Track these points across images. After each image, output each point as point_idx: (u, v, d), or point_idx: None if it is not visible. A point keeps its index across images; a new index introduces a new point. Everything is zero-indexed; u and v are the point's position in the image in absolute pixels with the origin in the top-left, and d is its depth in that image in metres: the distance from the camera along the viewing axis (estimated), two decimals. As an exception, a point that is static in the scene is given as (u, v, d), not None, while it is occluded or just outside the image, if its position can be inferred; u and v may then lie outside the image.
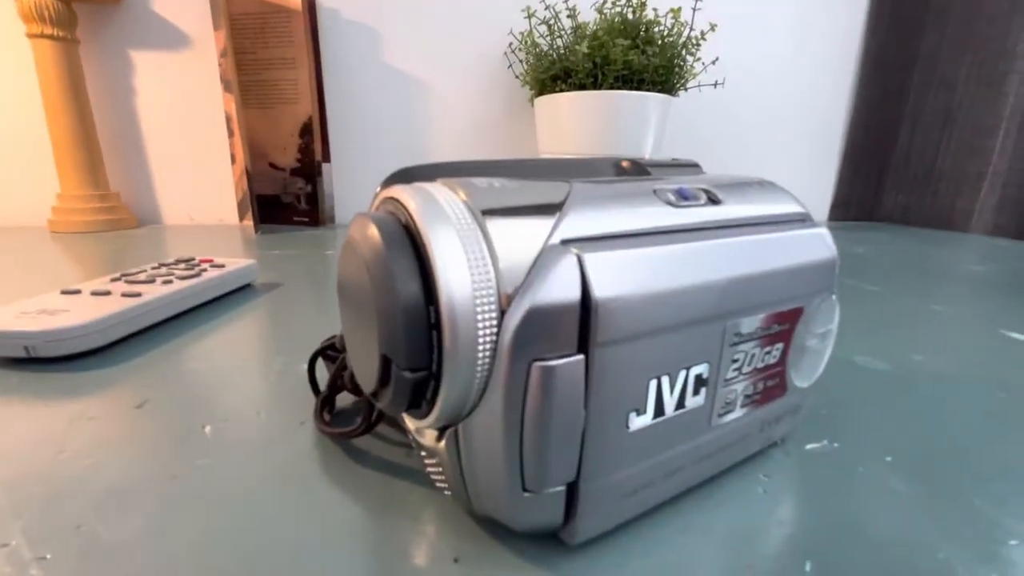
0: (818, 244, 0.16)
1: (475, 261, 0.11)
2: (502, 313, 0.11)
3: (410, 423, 0.14)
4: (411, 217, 0.11)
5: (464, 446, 0.12)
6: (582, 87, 0.60)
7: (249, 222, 0.68)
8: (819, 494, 0.16)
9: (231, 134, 0.66)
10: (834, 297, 0.17)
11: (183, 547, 0.13)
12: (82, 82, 0.61)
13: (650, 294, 0.12)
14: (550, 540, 0.13)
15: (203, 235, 0.63)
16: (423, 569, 0.12)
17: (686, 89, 0.65)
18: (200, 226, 0.70)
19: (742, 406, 0.15)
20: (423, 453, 0.14)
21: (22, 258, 0.48)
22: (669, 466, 0.14)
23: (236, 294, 0.36)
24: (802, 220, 0.17)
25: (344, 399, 0.20)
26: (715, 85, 0.66)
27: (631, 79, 0.58)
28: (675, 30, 0.60)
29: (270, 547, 0.13)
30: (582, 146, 0.62)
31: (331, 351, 0.20)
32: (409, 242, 0.11)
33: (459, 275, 0.10)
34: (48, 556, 0.12)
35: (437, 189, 0.12)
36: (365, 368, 0.12)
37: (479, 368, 0.11)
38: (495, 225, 0.11)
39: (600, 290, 0.11)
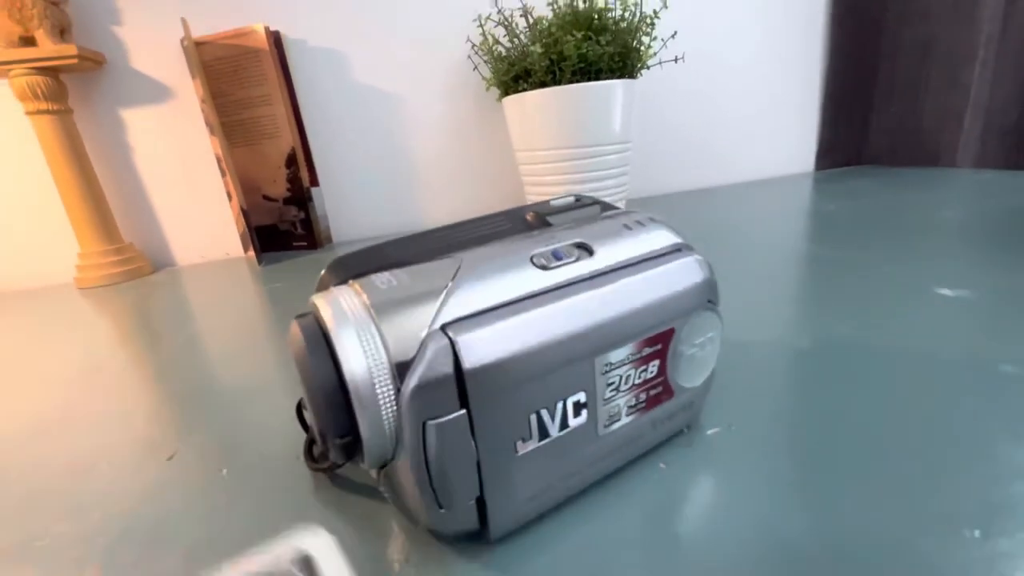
0: (689, 270, 0.19)
1: (371, 352, 0.14)
2: (399, 389, 0.14)
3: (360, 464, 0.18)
4: (324, 322, 0.15)
5: (395, 480, 0.16)
6: (543, 84, 0.61)
7: (252, 254, 0.72)
8: (711, 474, 0.19)
9: (223, 173, 0.71)
10: (710, 312, 0.20)
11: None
12: (82, 147, 0.66)
13: (517, 355, 0.15)
14: (478, 539, 0.17)
15: (214, 272, 0.68)
16: (384, 569, 0.17)
17: (648, 68, 0.66)
18: (210, 263, 0.75)
19: (628, 415, 0.19)
20: (377, 481, 0.18)
21: (65, 315, 0.54)
22: (565, 471, 0.18)
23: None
24: (678, 250, 0.20)
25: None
26: (676, 60, 0.67)
27: (588, 70, 0.60)
28: (627, 14, 0.61)
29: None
30: (552, 140, 0.64)
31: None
32: (324, 342, 0.15)
33: (359, 364, 0.14)
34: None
35: (344, 295, 0.16)
36: (315, 429, 0.16)
37: (387, 429, 0.15)
38: (387, 321, 0.15)
39: (470, 363, 0.14)
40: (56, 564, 0.19)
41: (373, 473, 0.17)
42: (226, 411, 0.29)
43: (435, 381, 0.14)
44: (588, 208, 0.23)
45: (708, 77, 0.85)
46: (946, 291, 0.33)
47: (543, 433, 0.16)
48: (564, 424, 0.17)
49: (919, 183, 0.70)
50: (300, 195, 0.73)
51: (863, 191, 0.69)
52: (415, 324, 0.15)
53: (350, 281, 0.16)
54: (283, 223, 0.75)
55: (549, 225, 0.21)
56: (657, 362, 0.19)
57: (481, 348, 0.15)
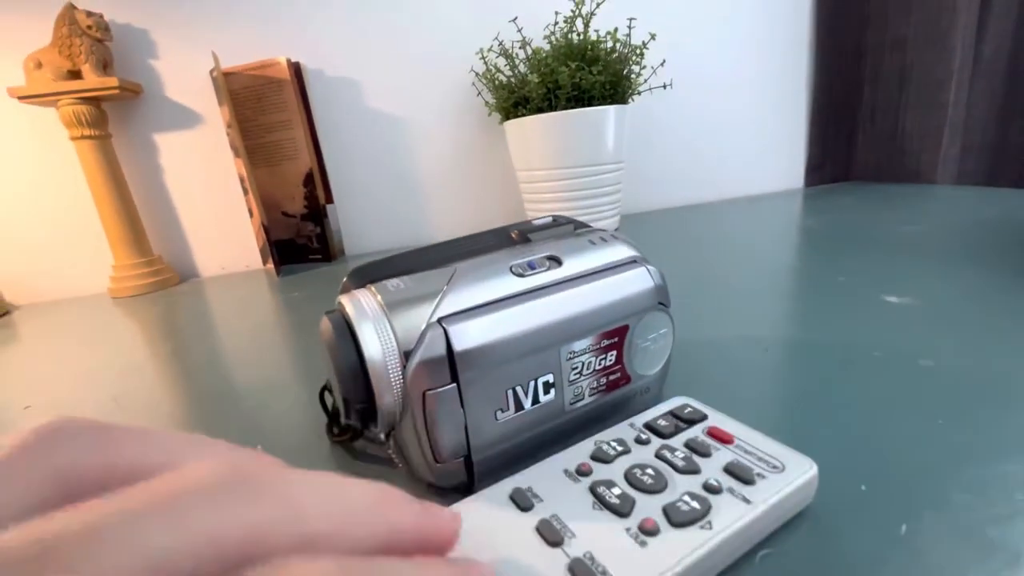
0: (641, 278, 0.24)
1: (385, 340, 0.19)
2: (404, 366, 0.19)
3: (374, 430, 0.23)
4: (349, 317, 0.19)
5: (399, 441, 0.20)
6: (540, 110, 0.67)
7: (271, 266, 0.78)
8: (657, 446, 0.24)
9: (246, 192, 0.76)
10: (661, 312, 0.24)
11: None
12: (119, 169, 0.72)
13: (496, 342, 0.20)
14: (468, 492, 0.22)
15: (236, 283, 0.73)
16: (390, 516, 0.21)
17: (639, 93, 0.71)
18: (232, 274, 0.81)
19: (591, 395, 0.23)
20: (386, 447, 0.22)
21: (101, 322, 0.59)
22: (537, 441, 0.22)
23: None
24: (633, 262, 0.25)
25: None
26: (664, 87, 0.72)
27: (582, 97, 0.65)
28: (617, 45, 0.66)
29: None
30: (550, 161, 0.69)
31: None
32: (349, 332, 0.19)
33: (375, 349, 0.19)
34: None
35: (364, 295, 0.20)
36: (339, 402, 0.21)
37: (395, 398, 0.19)
38: (397, 315, 0.19)
39: (459, 346, 0.19)
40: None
41: (383, 438, 0.22)
42: (252, 403, 0.33)
43: (432, 360, 0.19)
44: (563, 227, 0.27)
45: (698, 100, 0.90)
46: (892, 298, 0.37)
47: (518, 406, 0.21)
48: (536, 399, 0.21)
49: (898, 199, 0.74)
50: (316, 211, 0.79)
51: (843, 207, 0.73)
52: (417, 318, 0.19)
53: (368, 285, 0.21)
54: (300, 237, 0.80)
55: (529, 241, 0.26)
56: (614, 352, 0.23)
57: (468, 335, 0.19)
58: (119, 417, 0.34)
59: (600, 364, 0.23)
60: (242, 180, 0.76)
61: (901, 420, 0.23)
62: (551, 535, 0.16)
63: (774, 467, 0.18)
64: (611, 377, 0.24)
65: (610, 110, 0.66)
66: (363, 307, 0.20)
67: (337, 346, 0.19)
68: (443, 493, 0.22)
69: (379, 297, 0.20)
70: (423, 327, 0.19)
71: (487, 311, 0.20)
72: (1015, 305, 0.34)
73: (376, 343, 0.19)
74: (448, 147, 0.84)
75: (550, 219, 0.28)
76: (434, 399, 0.19)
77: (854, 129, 0.93)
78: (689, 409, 0.22)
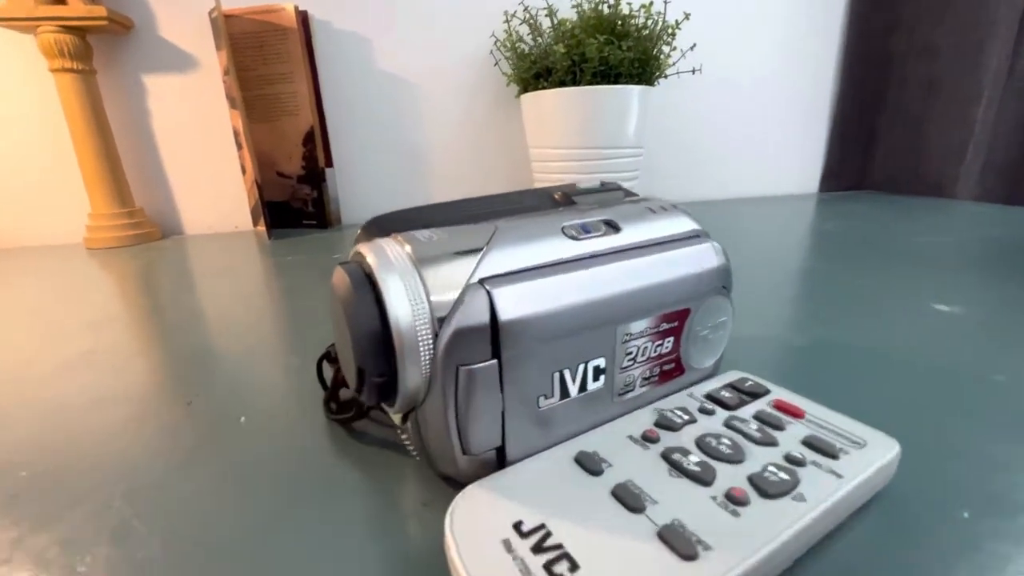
0: (707, 255, 0.21)
1: (415, 299, 0.15)
2: (436, 334, 0.15)
3: (387, 410, 0.19)
4: (370, 268, 0.16)
5: (421, 425, 0.17)
6: (562, 84, 0.63)
7: (262, 228, 0.73)
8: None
9: (240, 147, 0.71)
10: (723, 298, 0.21)
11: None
12: (102, 109, 0.67)
13: (547, 313, 0.16)
14: (493, 490, 0.18)
15: (223, 242, 0.68)
16: (402, 512, 0.17)
17: (665, 77, 0.67)
18: (219, 234, 0.76)
19: (641, 386, 0.20)
20: (399, 430, 0.19)
21: (76, 273, 0.54)
22: (578, 432, 0.19)
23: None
24: (696, 236, 0.21)
25: (345, 393, 0.25)
26: (693, 72, 0.68)
27: (608, 73, 0.61)
28: (649, 22, 0.62)
29: (297, 494, 0.18)
30: (567, 139, 0.65)
31: (333, 355, 0.25)
32: (369, 286, 0.16)
33: (403, 309, 0.15)
34: None
35: (389, 245, 0.16)
36: (349, 372, 0.17)
37: (423, 371, 0.15)
38: (429, 271, 0.16)
39: (505, 315, 0.15)
40: (80, 483, 0.19)
41: (397, 419, 0.18)
42: (239, 369, 0.30)
43: (471, 329, 0.15)
44: (613, 192, 0.24)
45: (720, 94, 0.87)
46: (942, 307, 0.35)
47: (564, 392, 0.17)
48: (583, 387, 0.18)
49: (916, 211, 0.72)
50: (314, 174, 0.74)
51: (859, 214, 0.71)
52: (455, 276, 0.16)
53: (393, 234, 0.17)
54: (295, 201, 0.76)
55: (574, 204, 0.22)
56: (672, 339, 0.20)
57: (515, 303, 0.16)
58: (90, 375, 0.30)
59: (656, 351, 0.20)
60: (236, 134, 0.71)
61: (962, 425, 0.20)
62: (632, 500, 0.15)
63: (855, 443, 0.17)
64: (665, 367, 0.20)
65: (636, 90, 0.62)
66: (388, 258, 0.16)
67: (355, 303, 0.15)
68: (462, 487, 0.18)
69: (408, 248, 0.16)
70: (462, 288, 0.16)
71: (537, 276, 0.17)
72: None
73: (404, 302, 0.15)
74: (459, 117, 0.79)
75: (597, 183, 0.24)
76: (470, 377, 0.15)
77: (874, 137, 0.91)
78: (750, 382, 0.20)
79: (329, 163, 0.76)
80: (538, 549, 0.13)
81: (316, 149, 0.73)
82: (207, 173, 0.76)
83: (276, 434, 0.23)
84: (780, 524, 0.14)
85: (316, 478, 0.19)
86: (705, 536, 0.13)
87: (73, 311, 0.42)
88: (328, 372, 0.27)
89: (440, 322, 0.15)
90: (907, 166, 0.87)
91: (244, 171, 0.73)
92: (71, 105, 0.64)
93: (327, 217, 0.76)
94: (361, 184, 0.80)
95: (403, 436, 0.19)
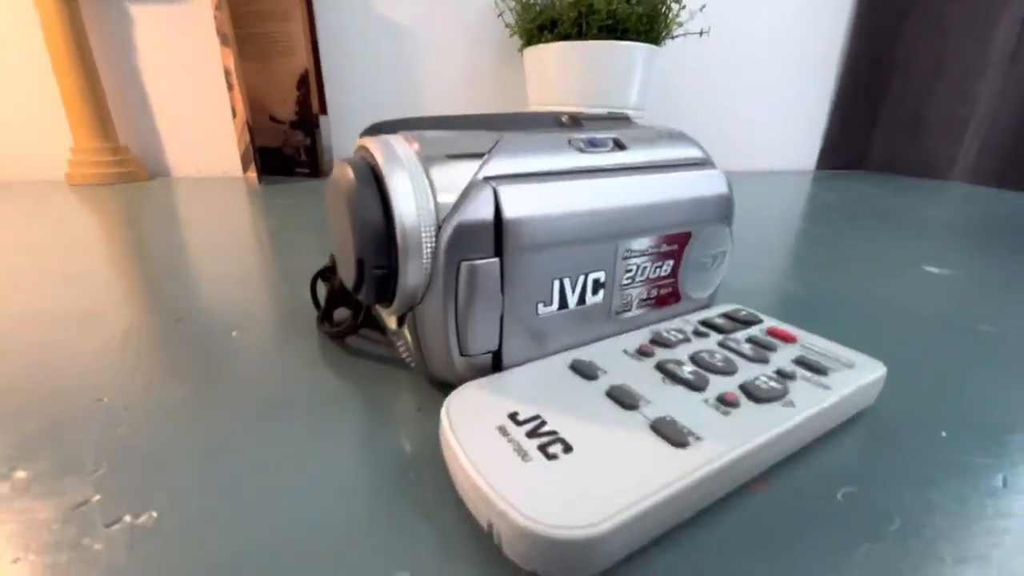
0: (711, 182, 0.21)
1: (420, 193, 0.15)
2: (439, 228, 0.15)
3: (383, 313, 0.19)
4: (376, 162, 0.15)
5: (419, 325, 0.17)
6: (567, 37, 0.61)
7: (252, 173, 0.71)
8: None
9: (230, 88, 0.69)
10: (724, 227, 0.21)
11: (226, 402, 0.18)
12: (85, 38, 0.64)
13: (550, 217, 0.16)
14: (487, 398, 0.18)
15: (212, 185, 0.67)
16: (397, 414, 0.18)
17: (672, 38, 0.66)
18: (207, 178, 0.74)
19: (639, 307, 0.20)
20: (395, 338, 0.19)
21: (58, 208, 0.53)
22: (573, 345, 0.19)
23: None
24: (701, 163, 0.21)
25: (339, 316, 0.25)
26: (700, 34, 0.67)
27: (615, 28, 0.60)
28: (660, -23, 0.61)
29: (292, 402, 0.18)
30: (569, 96, 0.64)
31: (327, 273, 0.24)
32: (374, 180, 0.15)
33: (407, 203, 0.15)
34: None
35: (397, 141, 0.16)
36: (348, 270, 0.17)
37: (424, 266, 0.15)
38: (435, 167, 0.15)
39: (510, 212, 0.15)
40: (72, 401, 0.19)
41: (392, 322, 0.18)
42: (230, 293, 0.29)
43: (476, 224, 0.15)
44: (620, 120, 0.23)
45: (725, 62, 0.85)
46: (933, 269, 0.35)
47: (563, 302, 0.17)
48: (582, 299, 0.18)
49: (913, 190, 0.72)
50: (308, 120, 0.72)
51: (857, 190, 0.71)
52: (461, 173, 0.16)
53: (399, 131, 0.17)
54: (287, 147, 0.74)
55: (581, 126, 0.22)
56: (671, 262, 0.20)
57: (520, 202, 0.16)
58: (69, 292, 0.29)
59: (655, 272, 0.20)
60: (227, 73, 0.68)
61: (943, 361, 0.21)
62: (626, 398, 0.15)
63: (844, 364, 0.17)
64: (662, 291, 0.20)
65: (642, 49, 0.61)
66: (395, 152, 0.16)
67: (359, 196, 0.15)
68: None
69: (416, 145, 0.16)
70: (467, 184, 0.15)
71: (542, 180, 0.16)
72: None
73: (409, 195, 0.15)
74: (459, 69, 0.77)
75: (604, 111, 0.24)
76: (472, 272, 0.15)
77: (876, 116, 0.91)
78: (744, 312, 0.21)
79: (323, 110, 0.74)
80: (533, 434, 0.13)
81: (310, 94, 0.71)
82: (196, 114, 0.73)
83: (269, 348, 0.22)
84: (769, 423, 0.14)
85: (310, 387, 0.19)
86: (696, 429, 0.14)
87: (53, 241, 0.41)
88: (323, 293, 0.26)
89: (445, 217, 0.15)
90: (905, 146, 0.87)
91: (235, 113, 0.71)
92: (52, 32, 0.61)
93: (320, 166, 0.74)
94: (355, 134, 0.78)
95: (398, 343, 0.19)
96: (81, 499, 0.14)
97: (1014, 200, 0.66)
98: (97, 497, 0.14)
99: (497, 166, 0.16)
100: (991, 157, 0.77)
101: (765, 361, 0.17)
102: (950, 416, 0.18)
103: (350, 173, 0.15)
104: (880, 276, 0.34)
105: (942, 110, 0.80)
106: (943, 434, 0.17)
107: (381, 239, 0.15)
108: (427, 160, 0.15)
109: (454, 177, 0.15)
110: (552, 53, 0.62)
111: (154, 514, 0.13)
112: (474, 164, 0.16)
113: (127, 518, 0.13)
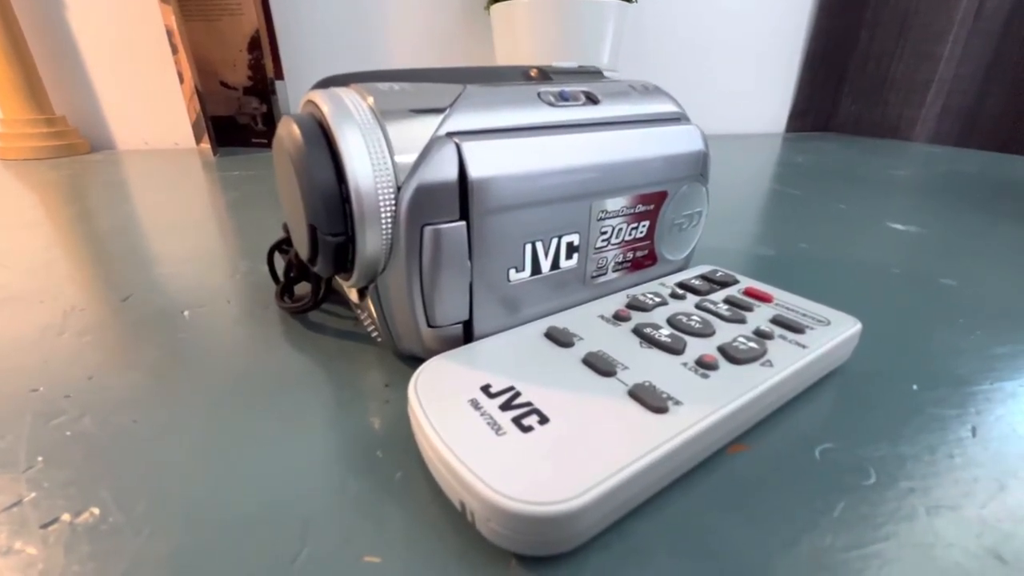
0: (687, 138, 0.20)
1: (375, 151, 0.14)
2: (398, 190, 0.14)
3: (344, 284, 0.18)
4: (324, 118, 0.14)
5: (382, 296, 0.16)
6: (536, -7, 0.58)
7: (206, 144, 0.67)
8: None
9: (175, 50, 0.64)
10: (700, 186, 0.20)
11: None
12: (4, -6, 0.57)
13: (520, 175, 0.15)
14: (459, 371, 0.18)
15: (162, 158, 0.62)
16: (364, 391, 0.17)
17: (643, -6, 0.64)
18: (156, 151, 0.69)
19: (614, 271, 0.19)
20: (359, 312, 0.18)
21: (-21, 185, 0.48)
22: (548, 313, 0.18)
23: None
24: (677, 118, 0.20)
25: (301, 290, 0.24)
26: (672, -10, 0.65)
27: (585, -16, 0.57)
28: (631, -72, 0.58)
29: (249, 382, 0.17)
30: (538, 56, 0.61)
31: (284, 246, 0.23)
32: (323, 137, 0.14)
33: (362, 162, 0.13)
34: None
35: (347, 94, 0.15)
36: (301, 239, 0.15)
37: (383, 232, 0.14)
38: (392, 123, 0.14)
39: (475, 171, 0.14)
40: (1, 392, 0.18)
41: (354, 295, 0.17)
42: (182, 270, 0.27)
43: (438, 185, 0.14)
44: (591, 73, 0.22)
45: (695, 24, 0.83)
46: (897, 225, 0.36)
47: (536, 267, 0.17)
48: (556, 263, 0.17)
49: (880, 150, 0.73)
50: (262, 86, 0.67)
51: (826, 151, 0.72)
52: (421, 129, 0.14)
53: (351, 84, 0.15)
54: (242, 115, 0.69)
55: (550, 79, 0.21)
56: (647, 223, 0.19)
57: (487, 160, 0.14)
58: (1, 274, 0.27)
59: (631, 234, 0.19)
60: (170, 34, 0.63)
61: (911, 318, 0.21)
62: (603, 365, 0.14)
63: (820, 321, 0.17)
64: (638, 254, 0.20)
65: (614, 4, 0.59)
66: (346, 106, 0.14)
67: (306, 157, 0.14)
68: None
69: (370, 99, 0.14)
70: (428, 140, 0.14)
71: (510, 136, 0.15)
72: (1017, 242, 0.33)
73: (363, 153, 0.13)
74: (423, 29, 0.73)
75: (574, 64, 0.23)
76: (436, 238, 0.14)
77: (843, 78, 0.91)
78: (720, 273, 0.21)
79: (279, 75, 0.69)
80: (507, 407, 0.13)
81: (264, 57, 0.66)
82: (138, 80, 0.68)
83: (225, 327, 0.21)
84: (748, 384, 0.14)
85: (269, 367, 0.18)
86: (675, 394, 0.13)
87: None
88: (280, 265, 0.25)
89: (405, 177, 0.14)
90: (870, 107, 0.88)
91: (181, 79, 0.66)
92: (-37, -15, 0.55)
93: (279, 135, 0.70)
94: (316, 101, 0.74)
95: (363, 316, 0.18)
96: (13, 499, 0.12)
97: (971, 158, 0.68)
98: (31, 495, 0.13)
99: (460, 121, 0.15)
100: (953, 117, 0.79)
101: (743, 321, 0.17)
102: (920, 369, 0.18)
103: (296, 130, 0.14)
104: (848, 234, 0.34)
105: (906, 71, 0.81)
106: (914, 387, 0.17)
107: (334, 203, 0.14)
108: (382, 115, 0.14)
109: (413, 134, 0.14)
110: (520, 11, 0.59)
111: (96, 511, 0.12)
112: (435, 119, 0.15)
113: (65, 516, 0.12)
